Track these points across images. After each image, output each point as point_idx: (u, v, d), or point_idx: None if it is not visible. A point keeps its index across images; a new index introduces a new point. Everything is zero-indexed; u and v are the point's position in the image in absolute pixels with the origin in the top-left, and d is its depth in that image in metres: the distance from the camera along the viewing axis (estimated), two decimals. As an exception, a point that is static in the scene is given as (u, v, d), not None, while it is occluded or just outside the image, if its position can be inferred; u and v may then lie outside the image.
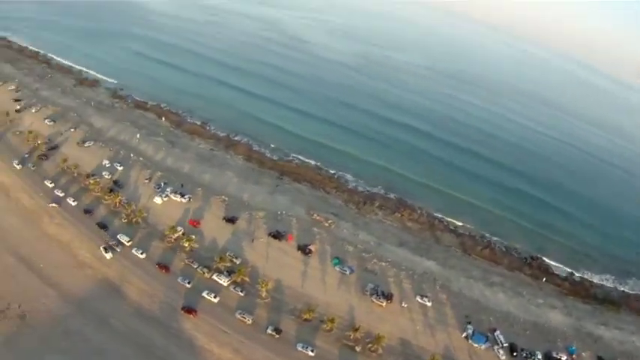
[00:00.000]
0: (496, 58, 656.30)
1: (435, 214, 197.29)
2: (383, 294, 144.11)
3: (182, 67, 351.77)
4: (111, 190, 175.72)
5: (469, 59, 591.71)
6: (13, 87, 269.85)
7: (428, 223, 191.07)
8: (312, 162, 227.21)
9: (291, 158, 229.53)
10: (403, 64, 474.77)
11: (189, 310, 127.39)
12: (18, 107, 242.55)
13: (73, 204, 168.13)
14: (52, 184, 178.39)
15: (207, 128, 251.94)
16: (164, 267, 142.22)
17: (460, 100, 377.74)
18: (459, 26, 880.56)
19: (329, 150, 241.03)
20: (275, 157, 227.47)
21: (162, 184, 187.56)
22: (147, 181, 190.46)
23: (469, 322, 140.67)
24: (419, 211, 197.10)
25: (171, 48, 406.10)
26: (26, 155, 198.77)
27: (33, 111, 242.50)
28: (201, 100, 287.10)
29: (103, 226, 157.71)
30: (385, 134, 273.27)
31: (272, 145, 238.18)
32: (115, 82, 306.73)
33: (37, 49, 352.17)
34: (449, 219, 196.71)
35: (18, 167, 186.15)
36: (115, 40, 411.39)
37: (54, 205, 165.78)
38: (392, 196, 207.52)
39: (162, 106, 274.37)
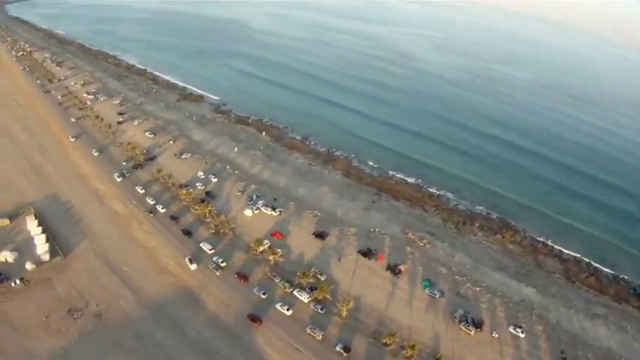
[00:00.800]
0: (604, 69, 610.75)
1: (539, 238, 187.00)
2: (473, 321, 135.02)
3: (285, 84, 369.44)
4: (202, 201, 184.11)
5: (575, 71, 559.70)
6: (117, 101, 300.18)
7: (530, 246, 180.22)
8: (412, 180, 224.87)
9: (390, 175, 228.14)
10: (507, 78, 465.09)
11: (254, 318, 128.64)
12: (120, 119, 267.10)
13: (162, 211, 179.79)
14: (143, 190, 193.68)
15: (307, 143, 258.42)
16: (243, 276, 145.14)
17: (567, 116, 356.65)
18: (563, 37, 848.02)
19: (431, 168, 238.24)
20: (374, 174, 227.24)
21: (255, 197, 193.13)
22: (239, 193, 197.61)
23: (564, 359, 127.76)
24: (522, 234, 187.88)
25: (275, 65, 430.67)
26: (124, 163, 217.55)
27: (135, 124, 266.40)
28: (302, 116, 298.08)
29: (187, 232, 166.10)
30: (489, 152, 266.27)
31: (372, 162, 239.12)
32: (218, 98, 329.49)
33: (143, 67, 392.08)
34: (553, 243, 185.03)
35: (118, 180, 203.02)
36: (220, 58, 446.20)
37: (149, 213, 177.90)
38: (494, 216, 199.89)
39: (263, 121, 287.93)
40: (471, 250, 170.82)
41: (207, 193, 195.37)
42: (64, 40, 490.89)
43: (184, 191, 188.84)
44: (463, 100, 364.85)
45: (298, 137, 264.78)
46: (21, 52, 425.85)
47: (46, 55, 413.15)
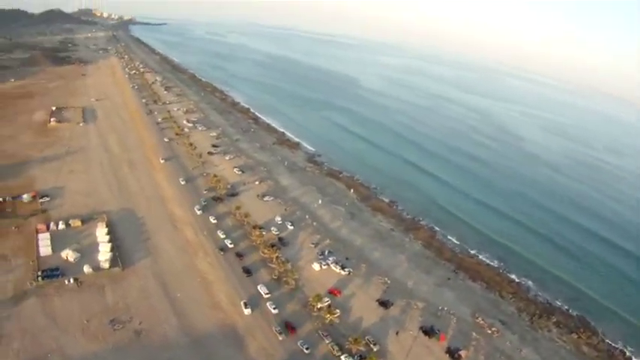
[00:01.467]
0: None
1: (617, 344, 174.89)
2: None
3: (382, 145, 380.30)
4: (272, 245, 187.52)
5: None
6: (214, 134, 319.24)
7: (607, 351, 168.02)
8: (494, 262, 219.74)
9: (472, 254, 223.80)
10: (614, 169, 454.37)
11: None
12: (212, 151, 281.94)
13: (230, 246, 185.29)
14: (216, 221, 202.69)
15: (394, 207, 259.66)
16: (291, 327, 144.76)
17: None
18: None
19: (515, 253, 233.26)
20: (456, 250, 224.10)
21: (327, 252, 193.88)
22: (312, 245, 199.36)
23: None
24: (599, 336, 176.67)
25: (376, 125, 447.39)
26: (204, 192, 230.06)
27: (226, 158, 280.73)
28: (394, 180, 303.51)
29: (247, 271, 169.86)
30: (579, 245, 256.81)
31: (455, 237, 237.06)
32: (314, 149, 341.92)
33: (247, 106, 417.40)
34: (632, 354, 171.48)
35: (198, 212, 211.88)
36: (324, 110, 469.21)
37: (220, 251, 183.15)
38: (573, 313, 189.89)
39: (354, 178, 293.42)
40: (541, 347, 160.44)
41: (280, 239, 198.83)
42: (177, 68, 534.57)
43: (257, 232, 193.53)
44: (560, 187, 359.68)
45: (386, 200, 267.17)
46: (134, 71, 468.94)
47: (157, 78, 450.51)
